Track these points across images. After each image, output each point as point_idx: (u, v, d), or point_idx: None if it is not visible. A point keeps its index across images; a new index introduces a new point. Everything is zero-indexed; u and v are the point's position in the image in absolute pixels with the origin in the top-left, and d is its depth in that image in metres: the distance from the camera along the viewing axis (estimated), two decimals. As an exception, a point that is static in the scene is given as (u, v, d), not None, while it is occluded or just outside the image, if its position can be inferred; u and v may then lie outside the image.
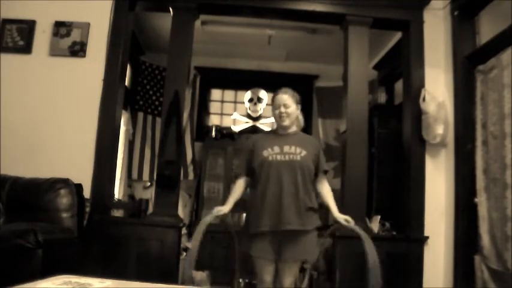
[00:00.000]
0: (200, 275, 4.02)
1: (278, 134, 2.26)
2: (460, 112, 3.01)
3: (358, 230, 2.11)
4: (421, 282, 2.94)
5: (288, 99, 2.21)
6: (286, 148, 2.16)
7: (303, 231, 2.11)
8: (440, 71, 3.20)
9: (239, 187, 2.29)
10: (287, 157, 2.14)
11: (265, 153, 2.16)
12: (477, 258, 2.74)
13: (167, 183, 2.98)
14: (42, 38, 3.15)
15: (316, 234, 2.20)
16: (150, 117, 4.86)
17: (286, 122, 2.21)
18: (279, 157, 2.14)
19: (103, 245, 2.88)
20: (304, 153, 2.16)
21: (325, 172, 2.32)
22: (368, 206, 3.24)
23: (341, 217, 2.20)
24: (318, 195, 2.28)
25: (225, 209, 2.18)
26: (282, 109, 2.19)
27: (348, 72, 3.19)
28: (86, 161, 2.99)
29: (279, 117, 2.21)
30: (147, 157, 4.76)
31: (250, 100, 4.93)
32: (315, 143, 2.35)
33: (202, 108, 5.26)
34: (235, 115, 5.02)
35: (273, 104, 2.27)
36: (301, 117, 2.34)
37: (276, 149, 2.16)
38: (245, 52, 4.96)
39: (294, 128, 2.28)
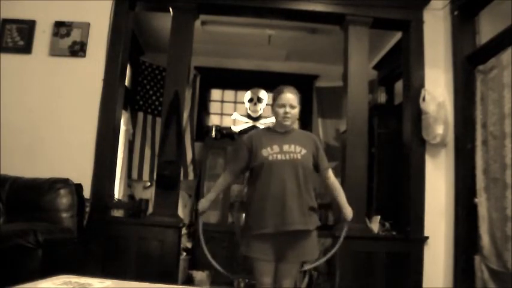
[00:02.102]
0: (200, 275, 4.03)
1: (276, 131, 2.22)
2: (460, 112, 3.01)
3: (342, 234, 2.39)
4: (421, 282, 2.94)
5: (294, 100, 2.17)
6: (285, 147, 2.13)
7: (306, 231, 2.09)
8: (440, 71, 3.20)
9: (223, 181, 2.31)
10: (287, 156, 2.10)
11: (264, 152, 2.12)
12: (477, 258, 2.74)
13: (167, 183, 2.98)
14: (42, 38, 3.15)
15: (317, 234, 2.19)
16: (150, 117, 4.86)
17: (289, 123, 2.17)
18: (279, 156, 2.10)
19: (103, 245, 2.88)
20: (304, 151, 2.13)
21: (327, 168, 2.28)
22: (368, 206, 3.24)
23: (349, 218, 2.29)
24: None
25: (205, 205, 2.31)
26: (288, 109, 2.14)
27: (348, 72, 3.19)
28: (86, 161, 2.99)
29: (282, 117, 2.15)
30: (147, 157, 4.76)
31: (250, 100, 4.93)
32: (313, 138, 2.29)
33: (202, 108, 5.26)
34: (235, 115, 5.01)
35: (277, 101, 2.18)
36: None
37: (276, 148, 2.12)
38: (245, 52, 4.96)
39: (291, 126, 2.23)
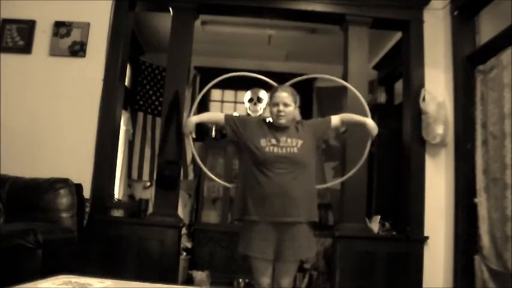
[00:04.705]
0: (200, 275, 4.04)
1: (273, 126, 2.22)
2: (460, 112, 3.01)
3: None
4: (421, 282, 2.94)
5: (287, 98, 2.17)
6: (282, 140, 2.13)
7: (301, 225, 2.08)
8: (440, 71, 3.20)
9: (214, 115, 2.44)
10: (284, 150, 2.10)
11: (262, 142, 2.12)
12: (477, 258, 2.74)
13: (167, 183, 2.98)
14: (42, 38, 3.15)
15: (313, 231, 2.19)
16: (150, 117, 4.86)
17: (283, 121, 2.17)
18: (275, 149, 2.10)
19: (103, 245, 2.88)
20: (300, 142, 2.13)
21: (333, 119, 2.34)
22: (368, 206, 3.24)
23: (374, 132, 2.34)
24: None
25: (190, 127, 2.30)
26: (281, 107, 2.15)
27: (348, 72, 3.19)
28: (86, 161, 2.99)
29: (276, 116, 2.17)
30: (147, 157, 4.76)
31: (250, 100, 4.93)
32: (306, 123, 2.32)
33: (202, 108, 5.27)
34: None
35: (271, 100, 2.22)
36: (297, 114, 2.29)
37: (273, 140, 2.13)
38: (245, 52, 4.96)
39: (287, 124, 2.22)
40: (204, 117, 2.36)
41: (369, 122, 2.35)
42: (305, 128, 2.25)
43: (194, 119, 2.34)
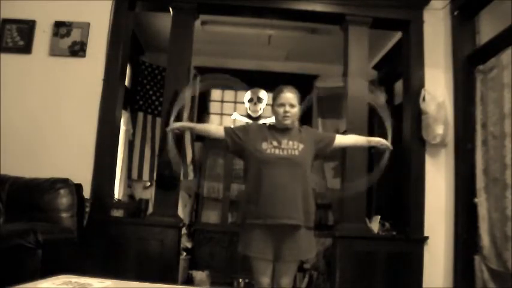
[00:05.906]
0: (200, 275, 4.04)
1: (276, 128, 2.24)
2: (460, 112, 3.01)
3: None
4: (421, 282, 2.94)
5: (293, 99, 2.19)
6: (284, 143, 2.15)
7: (301, 228, 2.10)
8: (440, 71, 3.20)
9: (210, 126, 2.43)
10: (285, 152, 2.12)
11: (264, 145, 2.14)
12: (477, 258, 2.74)
13: (167, 183, 2.98)
14: (42, 38, 3.15)
15: (313, 232, 2.20)
16: (150, 117, 4.85)
17: (289, 122, 2.19)
18: (277, 151, 2.12)
19: (103, 245, 2.88)
20: (301, 146, 2.15)
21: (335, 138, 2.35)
22: (368, 206, 3.24)
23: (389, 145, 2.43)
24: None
25: (176, 125, 2.53)
26: (287, 108, 2.17)
27: (348, 72, 3.19)
28: (86, 161, 2.99)
29: (282, 116, 2.18)
30: (147, 157, 4.75)
31: (250, 100, 4.93)
32: (311, 130, 2.36)
33: (203, 108, 5.27)
34: (235, 115, 5.01)
35: (276, 100, 2.22)
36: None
37: (275, 143, 2.15)
38: (245, 52, 4.96)
39: (291, 125, 2.25)
40: (191, 125, 2.43)
41: (381, 141, 2.42)
42: (308, 133, 2.27)
43: (188, 126, 2.47)
